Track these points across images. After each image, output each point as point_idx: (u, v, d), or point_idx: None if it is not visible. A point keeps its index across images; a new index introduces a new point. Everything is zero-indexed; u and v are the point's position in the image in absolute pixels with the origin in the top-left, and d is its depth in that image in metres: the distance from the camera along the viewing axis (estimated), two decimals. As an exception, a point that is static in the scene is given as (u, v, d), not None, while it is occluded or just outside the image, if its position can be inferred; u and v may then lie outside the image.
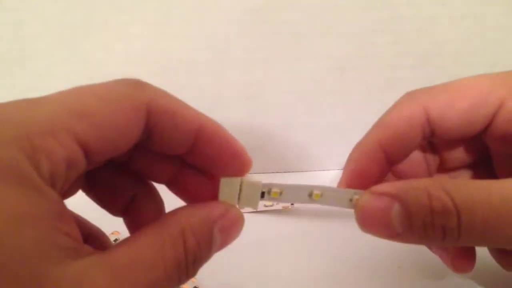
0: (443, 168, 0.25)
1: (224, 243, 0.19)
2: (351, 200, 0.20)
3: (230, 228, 0.19)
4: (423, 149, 0.25)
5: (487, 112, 0.21)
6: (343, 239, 0.34)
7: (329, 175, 0.43)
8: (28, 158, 0.14)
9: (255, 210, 0.20)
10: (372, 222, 0.19)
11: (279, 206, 0.37)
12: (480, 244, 0.21)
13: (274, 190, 0.20)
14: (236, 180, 0.19)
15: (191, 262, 0.17)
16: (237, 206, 0.20)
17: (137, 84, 0.17)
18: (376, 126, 0.23)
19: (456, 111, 0.21)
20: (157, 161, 0.20)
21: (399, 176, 0.24)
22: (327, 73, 0.40)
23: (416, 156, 0.25)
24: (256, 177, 0.20)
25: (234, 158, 0.19)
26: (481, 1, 0.38)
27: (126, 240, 0.16)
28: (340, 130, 0.42)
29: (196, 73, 0.39)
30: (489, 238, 0.18)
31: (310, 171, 0.44)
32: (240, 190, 0.19)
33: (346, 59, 0.39)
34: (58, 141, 0.15)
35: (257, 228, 0.36)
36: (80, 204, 0.19)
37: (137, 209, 0.21)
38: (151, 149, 0.19)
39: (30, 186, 0.14)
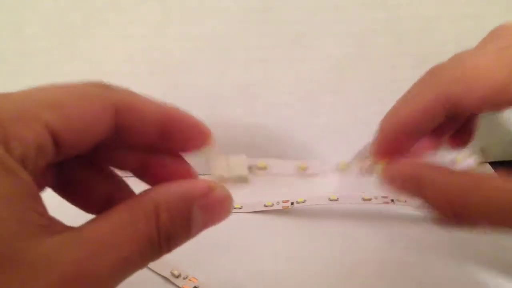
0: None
1: (208, 222, 0.18)
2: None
3: (214, 207, 0.18)
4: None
5: (506, 98, 0.22)
6: (343, 239, 0.34)
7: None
8: (1, 143, 0.14)
9: (246, 182, 0.21)
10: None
11: (279, 206, 0.37)
12: None
13: (259, 162, 0.21)
14: (221, 157, 0.20)
15: (165, 239, 0.17)
16: (228, 178, 0.20)
17: (104, 85, 0.18)
18: (397, 105, 0.24)
19: (475, 99, 0.22)
20: (124, 153, 0.21)
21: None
22: (327, 73, 0.40)
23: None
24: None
25: (198, 132, 0.20)
26: (481, 1, 0.38)
27: (99, 216, 0.16)
28: (340, 130, 0.42)
29: (196, 73, 0.39)
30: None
31: (310, 171, 0.44)
32: (228, 165, 0.20)
33: (346, 59, 0.39)
34: (27, 126, 0.15)
35: (257, 228, 0.36)
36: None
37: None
38: (119, 144, 0.20)
39: (4, 168, 0.14)
